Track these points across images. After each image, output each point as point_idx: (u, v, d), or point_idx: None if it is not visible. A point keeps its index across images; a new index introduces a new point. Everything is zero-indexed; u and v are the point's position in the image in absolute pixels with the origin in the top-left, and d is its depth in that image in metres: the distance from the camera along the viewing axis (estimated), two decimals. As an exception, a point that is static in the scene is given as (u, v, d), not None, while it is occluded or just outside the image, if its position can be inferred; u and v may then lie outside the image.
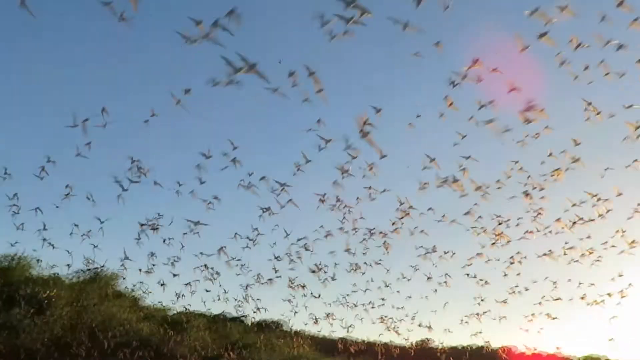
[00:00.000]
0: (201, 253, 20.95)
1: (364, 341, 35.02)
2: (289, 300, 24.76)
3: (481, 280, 22.64)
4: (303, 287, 23.58)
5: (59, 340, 22.04)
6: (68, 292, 23.73)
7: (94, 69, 43.45)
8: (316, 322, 26.39)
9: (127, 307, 25.33)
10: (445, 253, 20.76)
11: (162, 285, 22.91)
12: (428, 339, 33.60)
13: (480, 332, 27.38)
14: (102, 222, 18.49)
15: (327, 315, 26.16)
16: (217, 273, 22.29)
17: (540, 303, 24.03)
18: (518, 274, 22.07)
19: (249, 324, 31.50)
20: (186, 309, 26.93)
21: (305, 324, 29.31)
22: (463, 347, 34.70)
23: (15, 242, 21.72)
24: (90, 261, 22.92)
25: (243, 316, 30.83)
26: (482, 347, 33.01)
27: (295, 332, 33.01)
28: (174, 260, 20.91)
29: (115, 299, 25.13)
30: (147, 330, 24.87)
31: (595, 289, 22.86)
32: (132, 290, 26.82)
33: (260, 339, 29.46)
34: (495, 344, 30.27)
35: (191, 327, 26.96)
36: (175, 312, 28.09)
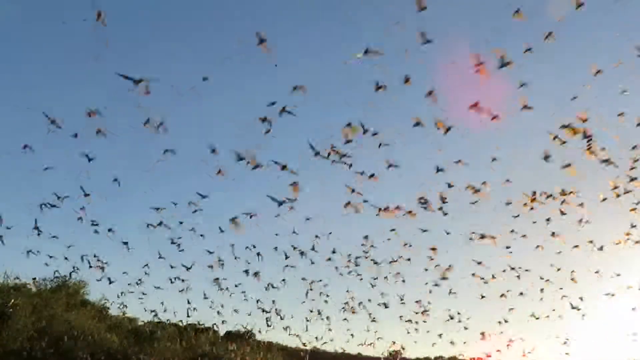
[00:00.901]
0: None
1: (336, 352, 34.93)
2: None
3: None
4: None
5: (22, 351, 21.72)
6: (33, 300, 23.45)
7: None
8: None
9: (94, 316, 25.08)
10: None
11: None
12: (398, 351, 33.73)
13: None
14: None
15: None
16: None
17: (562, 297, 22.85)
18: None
19: (220, 334, 31.33)
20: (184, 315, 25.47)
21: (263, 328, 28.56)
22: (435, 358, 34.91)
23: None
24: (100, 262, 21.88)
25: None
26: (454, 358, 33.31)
27: (266, 342, 32.94)
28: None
29: (81, 309, 24.86)
30: (114, 340, 24.65)
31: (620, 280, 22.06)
32: (106, 299, 26.51)
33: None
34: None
35: (160, 338, 26.82)
36: (144, 322, 27.90)
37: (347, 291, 24.27)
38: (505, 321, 24.21)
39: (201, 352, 27.64)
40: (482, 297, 23.08)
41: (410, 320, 24.80)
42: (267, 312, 24.58)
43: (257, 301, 25.12)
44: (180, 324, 29.17)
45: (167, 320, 27.33)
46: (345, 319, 25.63)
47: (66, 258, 21.23)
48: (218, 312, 25.25)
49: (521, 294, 22.81)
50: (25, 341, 22.01)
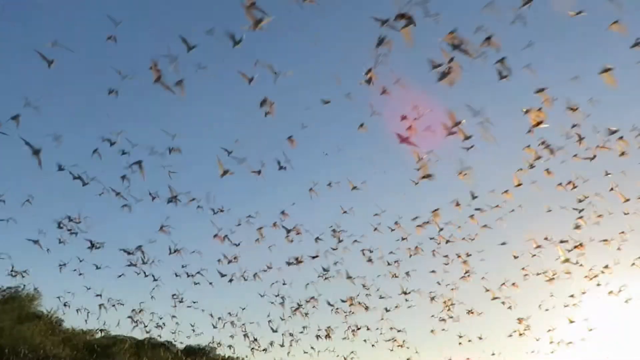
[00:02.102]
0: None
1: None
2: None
3: None
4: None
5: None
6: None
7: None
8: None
9: (44, 330, 24.03)
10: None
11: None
12: None
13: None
14: None
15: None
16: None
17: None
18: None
19: (178, 350, 30.49)
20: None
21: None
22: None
23: None
24: None
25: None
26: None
27: (229, 357, 32.26)
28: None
29: (31, 321, 23.82)
30: (65, 355, 23.73)
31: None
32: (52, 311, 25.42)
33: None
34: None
35: (115, 353, 26.02)
36: (97, 336, 26.89)
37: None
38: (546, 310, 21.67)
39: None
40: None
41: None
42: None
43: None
44: (135, 338, 28.25)
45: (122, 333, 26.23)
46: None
47: None
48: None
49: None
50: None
